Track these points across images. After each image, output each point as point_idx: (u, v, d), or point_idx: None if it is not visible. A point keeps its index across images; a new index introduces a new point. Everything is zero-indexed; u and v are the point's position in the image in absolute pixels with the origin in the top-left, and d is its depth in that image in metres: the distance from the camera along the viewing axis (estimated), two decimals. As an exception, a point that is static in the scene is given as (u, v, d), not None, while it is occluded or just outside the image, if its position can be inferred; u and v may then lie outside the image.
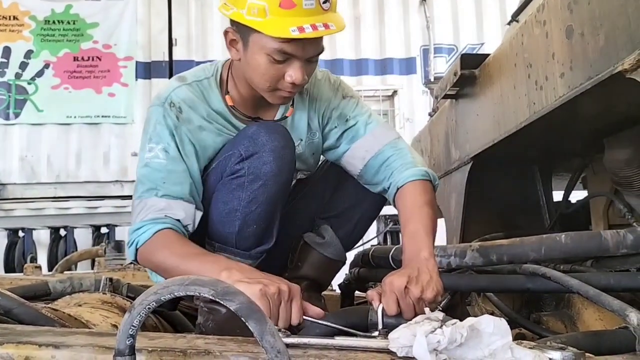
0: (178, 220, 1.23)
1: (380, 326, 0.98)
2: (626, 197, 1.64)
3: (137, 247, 1.21)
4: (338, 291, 2.07)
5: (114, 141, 6.09)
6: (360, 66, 6.47)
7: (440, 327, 0.74)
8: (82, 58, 6.17)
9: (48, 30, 6.16)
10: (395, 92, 6.42)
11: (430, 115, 3.22)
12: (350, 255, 1.75)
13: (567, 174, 2.10)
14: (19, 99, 6.02)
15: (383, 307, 1.01)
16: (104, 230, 5.67)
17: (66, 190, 5.98)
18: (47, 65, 6.11)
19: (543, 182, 2.12)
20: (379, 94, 6.32)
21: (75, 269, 4.23)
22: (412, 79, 6.49)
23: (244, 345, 0.84)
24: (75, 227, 5.66)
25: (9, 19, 6.12)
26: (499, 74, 1.63)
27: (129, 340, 0.67)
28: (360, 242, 1.71)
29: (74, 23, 6.20)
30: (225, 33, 1.27)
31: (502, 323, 0.73)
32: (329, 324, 0.99)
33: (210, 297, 0.66)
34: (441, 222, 2.18)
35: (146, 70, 6.25)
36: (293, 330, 0.99)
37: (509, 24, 2.59)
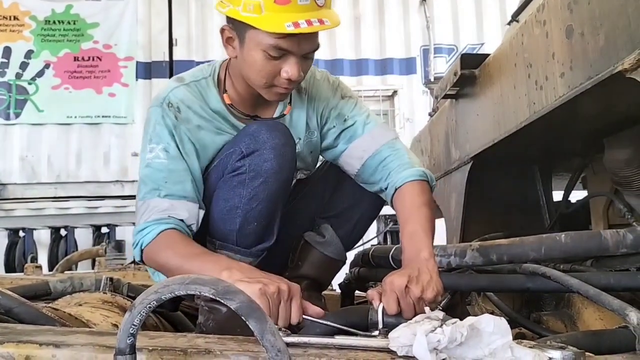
0: (181, 220, 1.24)
1: (380, 325, 0.98)
2: (626, 197, 1.64)
3: (142, 247, 1.22)
4: (338, 291, 2.07)
5: (114, 141, 6.10)
6: (360, 66, 6.47)
7: (441, 326, 0.74)
8: (83, 58, 6.18)
9: (48, 31, 6.17)
10: (395, 92, 6.42)
11: (430, 115, 3.22)
12: (350, 255, 1.75)
13: (567, 174, 2.10)
14: (20, 99, 6.03)
15: (383, 307, 1.01)
16: (104, 230, 5.68)
17: (66, 190, 5.99)
18: (47, 66, 6.12)
19: (543, 182, 2.12)
20: (379, 94, 6.33)
21: (76, 269, 4.23)
22: (412, 79, 6.50)
23: (245, 345, 0.84)
24: (76, 227, 5.67)
25: (10, 19, 6.13)
26: (499, 74, 1.63)
27: (129, 339, 0.67)
28: (360, 242, 1.71)
29: (74, 23, 6.20)
30: (222, 31, 1.28)
31: (502, 322, 0.73)
32: (329, 323, 0.99)
33: (211, 296, 0.66)
34: (441, 222, 2.18)
35: (146, 71, 6.26)
36: (293, 329, 0.99)
37: (509, 24, 2.59)
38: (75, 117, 6.06)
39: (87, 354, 0.79)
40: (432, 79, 5.60)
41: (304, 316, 1.03)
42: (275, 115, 1.42)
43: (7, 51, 6.08)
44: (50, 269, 4.62)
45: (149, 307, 0.67)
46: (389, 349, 0.80)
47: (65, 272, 3.29)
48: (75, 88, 6.11)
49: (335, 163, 1.50)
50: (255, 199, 1.28)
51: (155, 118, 1.30)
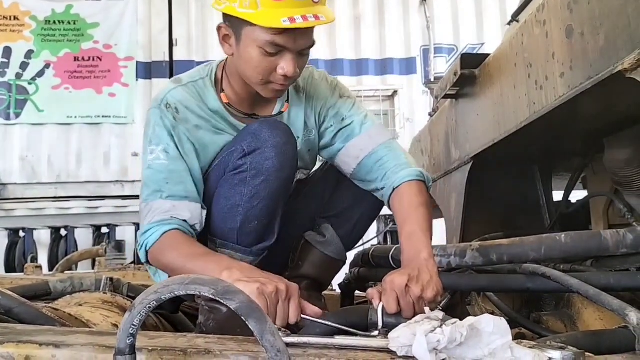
0: (184, 220, 1.25)
1: (380, 324, 0.98)
2: (626, 197, 1.64)
3: (147, 249, 1.24)
4: (338, 291, 2.07)
5: (115, 141, 6.11)
6: (360, 66, 6.47)
7: (440, 326, 0.74)
8: (83, 58, 6.18)
9: (49, 31, 6.17)
10: (395, 92, 6.42)
11: (430, 115, 3.22)
12: (351, 255, 1.75)
13: (567, 174, 2.09)
14: (20, 99, 6.03)
15: (383, 306, 1.01)
16: (104, 230, 5.68)
17: (67, 190, 5.99)
18: (47, 66, 6.12)
19: (543, 182, 2.11)
20: (379, 94, 6.33)
21: (76, 269, 4.23)
22: (412, 79, 6.49)
23: (244, 345, 0.84)
24: (76, 227, 5.67)
25: (10, 19, 6.13)
26: (499, 73, 1.63)
27: (129, 340, 0.67)
28: (360, 242, 1.72)
29: (74, 23, 6.20)
30: (219, 29, 1.30)
31: (502, 322, 0.73)
32: (329, 323, 0.99)
33: (211, 297, 0.66)
34: (441, 222, 2.18)
35: (147, 71, 6.26)
36: (293, 329, 1.00)
37: (509, 24, 2.59)
38: (76, 117, 6.06)
39: (87, 354, 0.79)
40: (432, 79, 5.60)
41: (302, 316, 1.03)
42: (273, 113, 1.43)
43: (8, 51, 6.08)
44: (51, 269, 4.62)
45: (149, 307, 0.67)
46: (388, 349, 0.80)
47: (66, 272, 3.29)
48: (75, 88, 6.11)
49: (332, 162, 1.51)
50: (256, 197, 1.29)
51: (154, 120, 1.31)
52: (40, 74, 6.09)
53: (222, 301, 0.66)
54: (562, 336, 0.94)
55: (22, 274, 3.20)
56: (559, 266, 1.30)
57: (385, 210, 1.60)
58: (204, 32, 6.30)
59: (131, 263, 3.70)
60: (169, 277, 1.23)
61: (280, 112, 1.43)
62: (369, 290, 1.08)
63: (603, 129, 1.57)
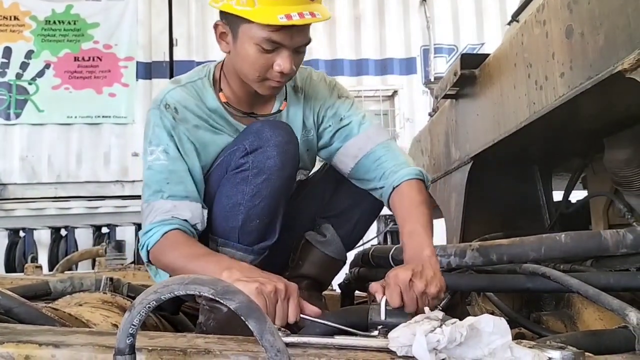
0: (185, 220, 1.26)
1: (382, 317, 0.98)
2: (626, 197, 1.64)
3: (148, 249, 1.24)
4: (338, 291, 2.07)
5: (115, 141, 6.11)
6: (360, 66, 6.47)
7: (440, 326, 0.74)
8: (83, 58, 6.18)
9: (49, 31, 6.17)
10: (395, 92, 6.42)
11: (430, 115, 3.22)
12: (351, 255, 1.75)
13: (567, 174, 2.09)
14: (20, 99, 6.03)
15: (386, 299, 1.01)
16: (104, 230, 5.68)
17: (67, 190, 5.99)
18: (47, 66, 6.12)
19: (543, 182, 2.11)
20: (379, 94, 6.33)
21: (76, 269, 4.23)
22: (412, 79, 6.49)
23: (244, 345, 0.84)
24: (76, 227, 5.67)
25: (10, 19, 6.13)
26: (499, 73, 1.63)
27: (129, 339, 0.67)
28: (360, 242, 1.72)
29: (74, 23, 6.21)
30: (215, 26, 1.30)
31: (502, 322, 0.73)
32: (328, 323, 0.99)
33: (210, 297, 0.66)
34: (441, 222, 2.18)
35: (147, 71, 6.26)
36: (293, 329, 1.00)
37: (509, 24, 2.59)
38: (76, 117, 6.06)
39: (87, 354, 0.79)
40: (432, 79, 5.60)
41: (302, 316, 1.03)
42: (271, 112, 1.43)
43: (8, 51, 6.08)
44: (51, 269, 4.62)
45: (149, 307, 0.67)
46: (388, 349, 0.80)
47: (66, 272, 3.29)
48: (75, 88, 6.11)
49: (330, 161, 1.52)
50: (258, 195, 1.29)
51: (154, 120, 1.32)
52: (41, 74, 6.09)
53: (221, 301, 0.66)
54: (562, 336, 0.94)
55: (22, 274, 3.20)
56: (559, 266, 1.30)
57: (385, 210, 1.60)
58: (204, 32, 6.30)
59: (131, 263, 3.70)
60: (170, 277, 1.24)
61: (279, 111, 1.44)
62: (372, 284, 1.08)
63: (603, 129, 1.57)
